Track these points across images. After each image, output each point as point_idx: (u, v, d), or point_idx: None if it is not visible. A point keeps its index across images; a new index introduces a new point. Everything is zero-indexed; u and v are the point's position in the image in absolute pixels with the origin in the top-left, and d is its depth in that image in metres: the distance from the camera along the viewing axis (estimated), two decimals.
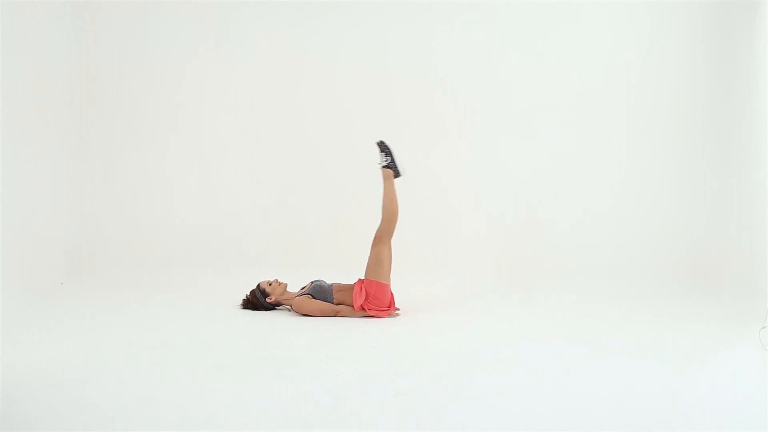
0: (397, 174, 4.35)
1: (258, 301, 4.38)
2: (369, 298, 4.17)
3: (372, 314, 4.18)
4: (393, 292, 4.27)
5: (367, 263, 4.25)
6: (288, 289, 4.49)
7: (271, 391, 2.80)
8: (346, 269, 4.65)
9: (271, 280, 4.45)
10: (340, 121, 5.74)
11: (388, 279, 4.22)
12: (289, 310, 4.40)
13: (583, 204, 5.56)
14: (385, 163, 4.36)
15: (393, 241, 4.33)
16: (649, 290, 5.01)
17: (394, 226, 4.28)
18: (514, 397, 2.75)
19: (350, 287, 4.29)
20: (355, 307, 4.18)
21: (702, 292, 4.90)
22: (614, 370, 3.12)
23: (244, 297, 4.47)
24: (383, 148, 4.39)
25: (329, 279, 4.50)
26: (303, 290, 4.39)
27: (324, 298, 4.26)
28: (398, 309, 4.29)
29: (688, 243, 5.40)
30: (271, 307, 4.41)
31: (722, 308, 4.43)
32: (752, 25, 4.94)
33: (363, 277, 4.27)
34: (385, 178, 4.34)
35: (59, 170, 5.55)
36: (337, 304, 4.25)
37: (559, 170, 5.60)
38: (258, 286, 4.43)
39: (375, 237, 4.27)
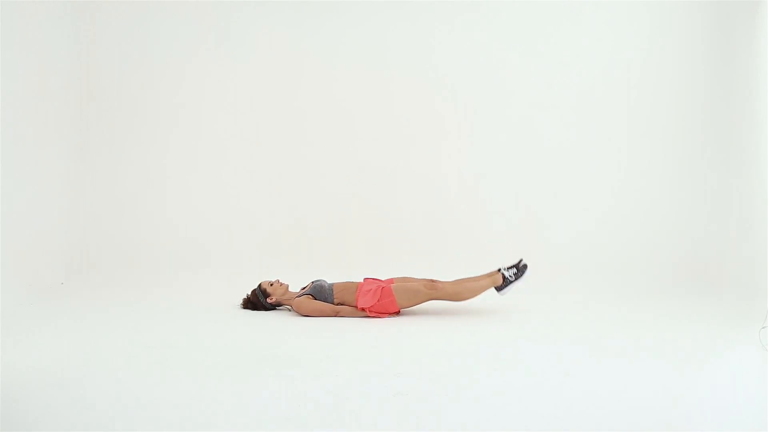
0: (500, 288, 4.29)
1: (258, 301, 4.38)
2: (377, 304, 4.17)
3: (372, 315, 4.18)
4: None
5: (406, 281, 4.27)
6: (289, 290, 4.48)
7: (271, 391, 2.80)
8: (346, 269, 4.65)
9: (273, 281, 4.45)
10: (340, 122, 5.74)
11: (402, 307, 4.22)
12: (290, 311, 4.40)
13: (583, 204, 5.57)
14: (506, 275, 4.28)
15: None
16: (649, 290, 5.01)
17: (448, 300, 4.26)
18: (514, 397, 2.75)
19: (352, 285, 4.28)
20: (360, 304, 4.17)
21: (702, 292, 4.90)
22: (614, 370, 3.12)
23: (245, 297, 4.47)
24: (521, 269, 4.30)
25: (329, 279, 4.50)
26: (303, 290, 4.39)
27: (324, 299, 4.26)
28: (398, 310, 4.29)
29: (688, 243, 5.40)
30: (272, 307, 4.40)
31: (722, 308, 4.42)
32: (752, 25, 4.94)
33: (391, 279, 4.30)
34: (492, 279, 4.27)
35: (59, 170, 5.55)
36: (338, 304, 4.25)
37: (559, 170, 5.61)
38: (259, 285, 4.43)
39: (434, 283, 4.23)
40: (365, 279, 4.33)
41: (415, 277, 4.43)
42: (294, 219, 5.74)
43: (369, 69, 5.71)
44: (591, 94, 5.57)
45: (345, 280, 4.41)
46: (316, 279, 4.48)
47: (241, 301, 4.48)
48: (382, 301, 4.16)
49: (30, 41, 5.11)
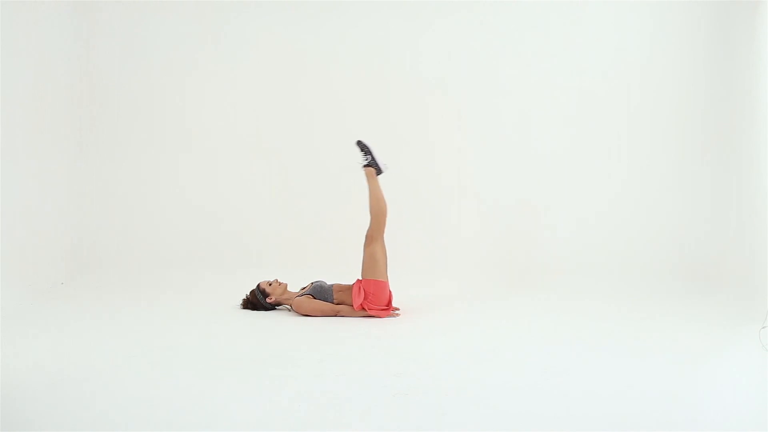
0: (379, 171, 4.37)
1: (258, 301, 4.39)
2: (368, 297, 4.18)
3: (372, 314, 4.18)
4: (391, 291, 4.26)
5: (363, 263, 4.24)
6: (288, 290, 4.49)
7: (271, 391, 2.80)
8: (346, 269, 4.65)
9: (271, 281, 4.45)
10: (340, 121, 5.73)
11: (385, 276, 4.22)
12: (289, 311, 4.40)
13: (584, 204, 5.56)
14: (366, 162, 4.37)
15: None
16: (649, 290, 5.00)
17: (384, 223, 4.28)
18: (514, 397, 2.75)
19: (350, 287, 4.29)
20: (354, 306, 4.18)
21: (702, 292, 4.89)
22: (614, 369, 3.12)
23: (244, 297, 4.47)
24: (362, 147, 4.40)
25: (329, 279, 4.50)
26: (303, 290, 4.40)
27: (324, 299, 4.27)
28: (398, 309, 4.29)
29: (688, 243, 5.39)
30: (271, 307, 4.41)
31: (722, 308, 4.42)
32: (752, 25, 4.94)
33: (360, 278, 4.27)
34: (369, 177, 4.35)
35: (59, 170, 5.54)
36: (337, 304, 4.25)
37: (559, 171, 5.59)
38: (258, 286, 4.43)
39: (366, 237, 4.26)
40: (354, 283, 4.32)
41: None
42: (294, 219, 5.74)
43: (369, 68, 5.70)
44: (591, 94, 5.56)
45: (344, 282, 4.41)
46: (315, 279, 4.48)
47: (240, 302, 4.49)
48: (368, 292, 4.17)
49: (30, 41, 5.10)
